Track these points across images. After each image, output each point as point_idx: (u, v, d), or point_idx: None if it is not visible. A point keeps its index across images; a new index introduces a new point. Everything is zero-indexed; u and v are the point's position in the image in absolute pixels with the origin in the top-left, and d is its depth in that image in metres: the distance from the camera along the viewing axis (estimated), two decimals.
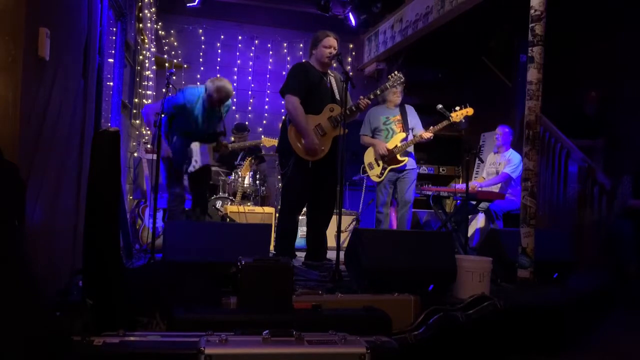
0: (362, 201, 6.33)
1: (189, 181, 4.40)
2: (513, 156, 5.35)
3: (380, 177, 4.91)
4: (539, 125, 3.67)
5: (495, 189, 5.39)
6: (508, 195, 5.29)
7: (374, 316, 2.30)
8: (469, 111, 4.68)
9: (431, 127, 4.82)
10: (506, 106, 6.53)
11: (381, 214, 4.95)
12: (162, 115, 3.87)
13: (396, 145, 4.82)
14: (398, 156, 4.81)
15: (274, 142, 4.96)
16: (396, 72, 4.32)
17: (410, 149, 4.89)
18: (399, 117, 4.94)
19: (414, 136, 4.85)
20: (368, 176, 5.09)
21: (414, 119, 4.97)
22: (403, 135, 4.85)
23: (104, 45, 3.78)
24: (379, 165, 4.90)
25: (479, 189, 5.26)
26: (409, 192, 4.88)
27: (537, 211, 3.63)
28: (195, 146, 4.25)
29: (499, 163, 5.58)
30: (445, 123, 4.76)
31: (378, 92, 4.15)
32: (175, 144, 4.24)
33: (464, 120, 4.67)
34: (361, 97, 3.96)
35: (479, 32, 6.20)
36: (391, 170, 4.86)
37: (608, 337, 3.00)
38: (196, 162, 4.26)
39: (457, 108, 4.70)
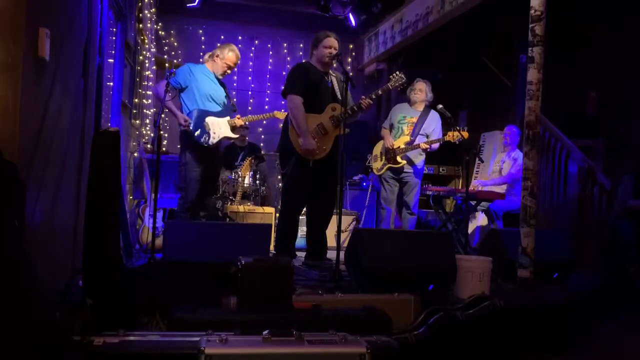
0: (367, 202, 6.33)
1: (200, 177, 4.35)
2: (519, 156, 5.35)
3: (379, 171, 5.03)
4: (539, 125, 3.67)
5: (500, 189, 5.38)
6: (513, 195, 5.29)
7: (374, 316, 2.30)
8: (465, 135, 4.71)
9: (426, 141, 4.87)
10: (506, 106, 6.53)
11: (384, 209, 5.03)
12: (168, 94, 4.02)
13: (399, 147, 4.88)
14: (398, 157, 4.87)
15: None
16: (397, 73, 4.32)
17: (417, 157, 4.90)
18: (414, 119, 4.97)
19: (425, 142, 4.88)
20: (371, 168, 5.22)
21: (432, 125, 4.97)
22: (407, 139, 4.89)
23: (104, 45, 3.78)
24: (381, 159, 5.02)
25: (480, 188, 5.26)
26: (410, 195, 4.93)
27: (537, 211, 3.63)
28: (210, 120, 4.24)
29: (503, 162, 5.59)
30: (441, 141, 4.82)
31: (380, 92, 4.15)
32: (192, 120, 4.20)
33: (457, 143, 4.71)
34: (362, 97, 3.97)
35: (479, 33, 6.20)
36: (389, 168, 4.94)
37: (608, 337, 3.00)
38: (214, 133, 4.24)
39: (458, 128, 4.73)
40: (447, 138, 4.75)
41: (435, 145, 4.87)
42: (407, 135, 4.91)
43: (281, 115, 4.87)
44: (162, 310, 2.21)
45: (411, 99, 5.06)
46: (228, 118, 4.36)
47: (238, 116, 4.45)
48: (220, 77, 4.37)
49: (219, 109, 4.33)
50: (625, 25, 5.58)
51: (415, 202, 4.96)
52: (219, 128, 4.28)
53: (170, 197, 5.22)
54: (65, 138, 2.64)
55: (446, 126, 4.99)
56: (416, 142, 4.86)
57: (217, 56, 4.34)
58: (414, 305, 2.66)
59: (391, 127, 5.07)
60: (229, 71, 4.38)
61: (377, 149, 5.13)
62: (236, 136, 4.52)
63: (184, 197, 4.28)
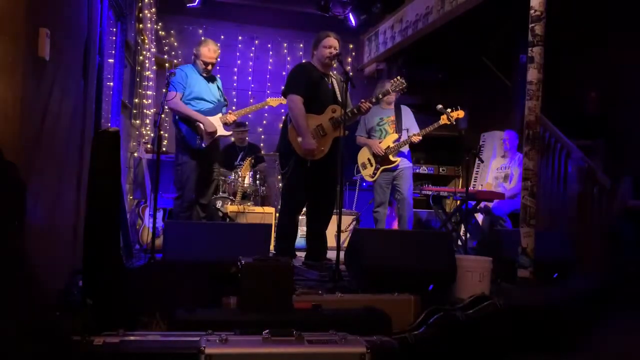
0: (355, 202, 6.35)
1: (198, 175, 4.31)
2: None
3: (372, 177, 4.94)
4: (539, 125, 3.67)
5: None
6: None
7: (374, 316, 2.30)
8: (460, 113, 4.70)
9: (420, 130, 4.83)
10: (506, 106, 6.53)
11: (377, 213, 4.94)
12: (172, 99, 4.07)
13: (388, 146, 4.83)
14: (390, 157, 4.82)
15: (280, 100, 4.93)
16: (398, 78, 4.36)
17: (405, 148, 4.89)
18: (392, 117, 4.94)
19: (408, 137, 4.85)
20: (362, 176, 5.11)
21: (408, 120, 4.96)
22: (395, 136, 4.85)
23: (104, 45, 3.78)
24: (371, 165, 4.94)
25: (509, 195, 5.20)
26: (406, 187, 4.85)
27: (537, 211, 3.63)
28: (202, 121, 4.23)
29: (507, 167, 5.58)
30: (435, 125, 4.78)
31: (380, 95, 4.16)
32: (184, 125, 4.20)
33: (454, 123, 4.69)
34: (362, 100, 3.97)
35: (479, 32, 6.20)
36: (384, 170, 4.87)
37: (608, 337, 3.00)
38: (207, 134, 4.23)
39: (449, 110, 4.70)
40: (442, 122, 4.70)
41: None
42: (393, 133, 4.87)
43: (274, 102, 4.84)
44: (162, 310, 2.21)
45: (382, 105, 4.94)
46: (220, 115, 4.32)
47: (230, 111, 4.42)
48: (204, 75, 4.32)
49: (210, 106, 4.29)
50: (625, 25, 5.58)
51: (411, 195, 4.90)
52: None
53: (171, 197, 5.22)
54: (65, 138, 2.64)
55: (446, 126, 4.98)
56: (404, 137, 4.84)
57: (195, 55, 4.32)
58: (414, 305, 2.66)
59: (369, 132, 4.99)
60: (209, 67, 4.31)
61: (362, 157, 5.03)
62: (229, 133, 4.46)
63: (180, 197, 4.26)
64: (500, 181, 5.58)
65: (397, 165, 4.84)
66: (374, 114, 4.99)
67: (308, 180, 3.92)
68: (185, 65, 4.47)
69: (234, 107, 5.17)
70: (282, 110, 7.29)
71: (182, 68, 4.34)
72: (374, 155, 4.87)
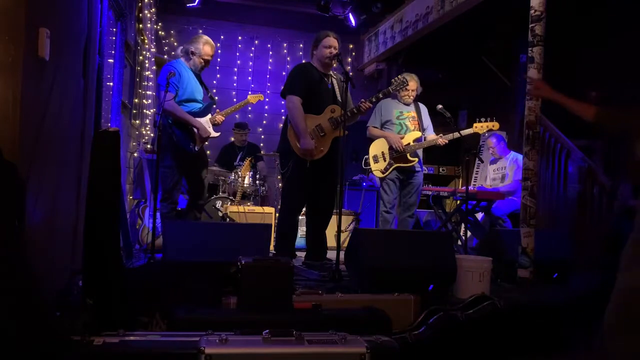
0: (361, 201, 6.34)
1: (187, 174, 4.25)
2: (520, 158, 5.25)
3: (383, 173, 4.63)
4: (539, 125, 3.68)
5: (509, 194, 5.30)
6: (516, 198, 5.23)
7: (374, 316, 2.31)
8: (495, 125, 4.51)
9: (443, 135, 4.61)
10: (506, 106, 6.54)
11: (390, 214, 4.66)
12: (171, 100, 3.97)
13: (409, 144, 4.58)
14: (408, 155, 4.57)
15: (259, 97, 4.91)
16: (399, 77, 4.25)
17: (419, 151, 4.69)
18: (413, 113, 4.72)
19: (433, 138, 4.66)
20: (370, 170, 4.80)
21: (427, 119, 4.79)
22: (418, 134, 4.63)
23: (104, 45, 3.77)
24: (385, 160, 4.64)
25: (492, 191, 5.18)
26: (414, 196, 4.69)
27: (537, 211, 3.64)
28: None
29: (502, 167, 5.57)
30: (465, 132, 4.54)
31: (380, 95, 4.11)
32: (178, 129, 4.09)
33: (487, 134, 4.54)
34: (362, 100, 3.96)
35: (479, 32, 6.20)
36: (397, 168, 4.62)
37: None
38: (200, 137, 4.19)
39: (483, 119, 4.53)
40: (475, 130, 4.53)
41: None
42: (415, 130, 4.64)
43: (254, 99, 4.81)
44: (162, 310, 2.21)
45: (400, 95, 4.70)
46: (209, 116, 4.25)
47: (218, 110, 4.34)
48: (198, 72, 4.21)
49: (200, 106, 4.22)
50: (625, 25, 5.58)
51: (417, 203, 4.77)
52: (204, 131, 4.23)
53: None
54: (65, 138, 2.63)
55: (446, 126, 4.96)
56: (424, 137, 4.67)
57: (192, 52, 4.15)
58: (414, 305, 2.66)
59: (384, 124, 4.73)
60: (207, 65, 4.21)
61: (376, 149, 4.71)
62: (218, 134, 4.37)
63: (168, 199, 4.12)
64: (497, 182, 5.58)
65: (414, 167, 4.62)
66: (392, 107, 4.74)
67: (308, 180, 3.92)
68: (174, 61, 4.23)
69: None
70: (282, 111, 7.31)
71: (174, 66, 4.12)
72: (391, 149, 4.60)
